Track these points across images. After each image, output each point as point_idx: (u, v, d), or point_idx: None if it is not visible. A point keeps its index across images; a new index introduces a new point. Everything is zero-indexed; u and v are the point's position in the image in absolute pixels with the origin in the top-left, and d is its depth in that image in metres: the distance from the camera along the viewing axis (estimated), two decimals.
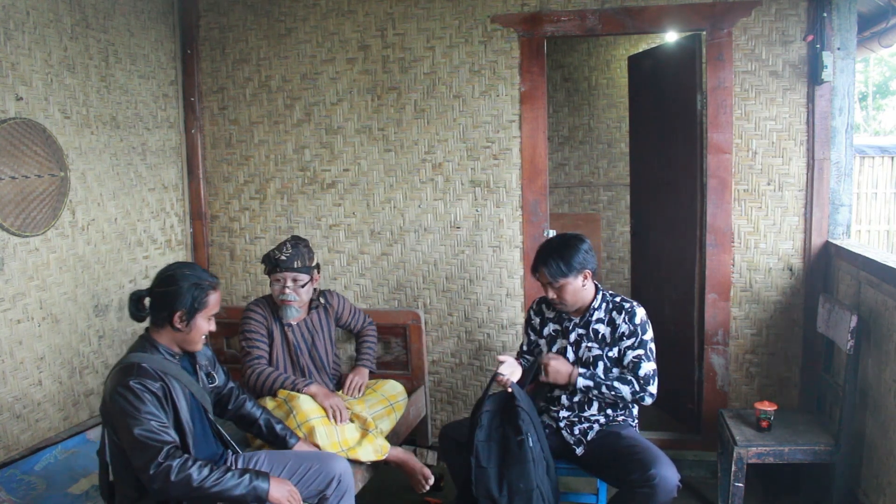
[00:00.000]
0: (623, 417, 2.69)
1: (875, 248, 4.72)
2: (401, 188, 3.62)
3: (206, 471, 2.02)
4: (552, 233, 3.51)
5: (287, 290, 2.94)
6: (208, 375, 2.40)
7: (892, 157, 7.23)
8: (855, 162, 4.20)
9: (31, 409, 2.85)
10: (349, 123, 3.63)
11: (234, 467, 2.12)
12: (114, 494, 2.21)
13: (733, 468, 2.84)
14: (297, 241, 3.01)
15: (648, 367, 2.60)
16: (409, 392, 3.43)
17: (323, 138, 3.68)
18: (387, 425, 3.05)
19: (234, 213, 3.84)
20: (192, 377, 2.27)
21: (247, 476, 2.08)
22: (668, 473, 2.36)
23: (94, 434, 2.94)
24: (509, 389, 2.55)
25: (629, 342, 2.63)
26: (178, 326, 2.18)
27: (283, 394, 2.83)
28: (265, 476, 2.12)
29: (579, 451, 2.66)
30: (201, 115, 3.81)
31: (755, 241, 3.31)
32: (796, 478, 3.21)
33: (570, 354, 2.71)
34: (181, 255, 3.77)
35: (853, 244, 3.13)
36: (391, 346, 3.67)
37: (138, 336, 2.24)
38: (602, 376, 2.62)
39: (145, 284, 3.46)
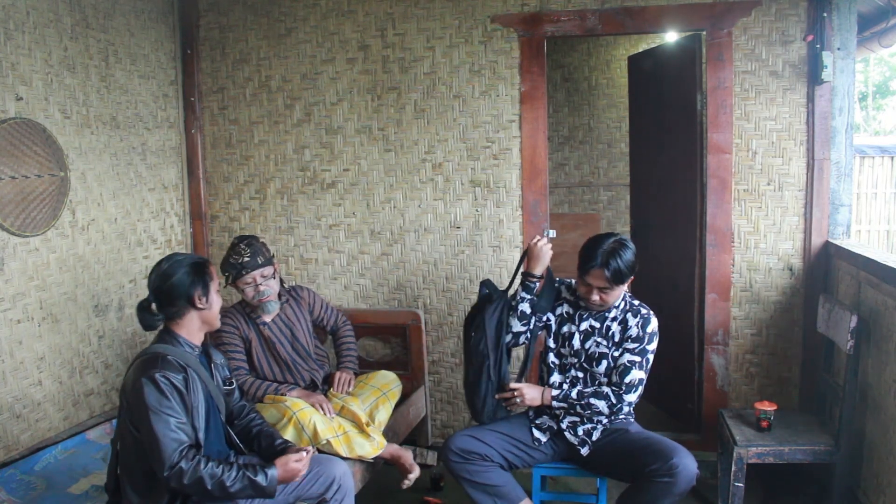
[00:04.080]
0: (625, 416, 2.69)
1: (875, 248, 4.72)
2: (401, 188, 3.62)
3: (218, 471, 2.03)
4: (552, 233, 3.51)
5: (261, 288, 2.94)
6: (226, 381, 2.40)
7: (892, 157, 7.23)
8: (855, 162, 4.20)
9: (31, 409, 2.85)
10: (349, 123, 3.63)
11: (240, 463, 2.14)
12: (118, 489, 2.21)
13: (733, 468, 2.83)
14: (249, 240, 3.00)
15: (638, 375, 2.58)
16: (409, 392, 3.43)
17: (323, 138, 3.68)
18: (384, 414, 3.05)
19: (234, 213, 3.84)
20: (208, 374, 2.29)
21: (256, 468, 2.10)
22: (689, 462, 2.39)
23: (94, 434, 2.94)
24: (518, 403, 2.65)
25: (632, 346, 2.61)
26: (201, 306, 2.21)
27: (269, 398, 2.89)
28: (271, 465, 2.13)
29: (584, 451, 2.65)
30: (201, 115, 3.81)
31: (755, 241, 3.31)
32: (796, 478, 3.21)
33: (577, 342, 2.68)
34: None
35: (853, 244, 3.13)
36: (391, 345, 3.67)
37: (158, 332, 2.24)
38: (575, 396, 2.60)
39: (145, 284, 3.46)
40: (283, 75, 3.68)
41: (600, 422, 2.66)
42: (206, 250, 3.86)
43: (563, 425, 2.69)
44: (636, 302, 2.69)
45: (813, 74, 3.16)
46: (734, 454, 2.83)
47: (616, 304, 2.66)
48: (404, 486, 2.95)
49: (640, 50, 4.94)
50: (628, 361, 2.60)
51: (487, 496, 2.60)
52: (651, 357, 2.63)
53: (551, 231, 3.51)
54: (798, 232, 3.28)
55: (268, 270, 2.96)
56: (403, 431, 3.27)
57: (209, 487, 2.01)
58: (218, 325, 2.31)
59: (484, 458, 2.62)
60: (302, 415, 2.71)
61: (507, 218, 3.52)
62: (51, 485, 2.56)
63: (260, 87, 3.72)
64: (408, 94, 3.55)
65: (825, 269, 3.23)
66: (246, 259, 2.91)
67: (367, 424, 2.85)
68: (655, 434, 2.61)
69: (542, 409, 2.73)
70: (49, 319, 2.93)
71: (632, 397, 2.58)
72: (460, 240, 3.58)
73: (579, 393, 2.60)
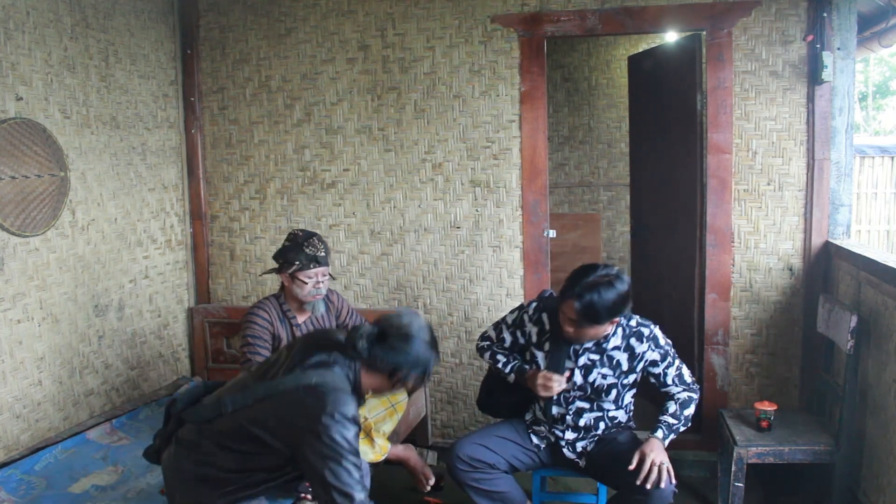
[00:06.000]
0: (624, 425, 2.67)
1: (875, 248, 4.73)
2: (401, 188, 3.62)
3: None
4: (552, 233, 3.52)
5: (320, 286, 2.92)
6: None
7: (892, 157, 7.23)
8: (855, 162, 4.20)
9: (31, 409, 2.84)
10: (349, 123, 3.63)
11: None
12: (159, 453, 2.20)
13: (733, 468, 2.84)
14: (320, 237, 2.99)
15: (685, 369, 2.60)
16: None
17: (323, 138, 3.68)
18: (389, 427, 3.05)
19: (234, 213, 3.84)
20: None
21: None
22: (664, 490, 2.36)
23: (94, 434, 2.94)
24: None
25: (664, 365, 2.54)
26: (394, 382, 2.10)
27: None
28: None
29: (582, 463, 2.64)
30: (201, 115, 3.81)
31: (755, 241, 3.31)
32: (796, 478, 3.21)
33: (578, 378, 2.55)
34: (181, 255, 3.77)
35: (853, 244, 3.13)
36: None
37: (338, 350, 2.10)
38: (674, 420, 2.50)
39: (145, 284, 3.47)
40: (283, 75, 3.68)
41: (597, 435, 2.62)
42: (206, 250, 3.86)
43: (562, 442, 2.64)
44: (633, 323, 2.55)
45: (813, 74, 3.16)
46: (734, 454, 2.83)
47: (612, 332, 2.51)
48: (425, 490, 2.93)
49: (640, 50, 4.94)
50: (675, 373, 2.56)
51: (492, 502, 2.60)
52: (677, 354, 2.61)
53: (551, 231, 3.51)
54: (798, 232, 3.28)
55: (328, 271, 2.96)
56: (403, 431, 3.27)
57: None
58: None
59: (491, 466, 2.59)
60: None
61: (507, 218, 3.52)
62: (51, 485, 2.56)
63: (260, 87, 3.72)
64: (408, 94, 3.55)
65: (825, 269, 3.23)
66: (321, 254, 2.89)
67: (371, 431, 2.85)
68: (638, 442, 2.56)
69: (538, 419, 2.69)
70: (49, 319, 2.93)
71: (694, 382, 2.60)
72: (460, 240, 3.58)
73: (675, 417, 2.52)
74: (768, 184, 3.27)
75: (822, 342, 3.13)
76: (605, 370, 2.54)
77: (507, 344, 2.72)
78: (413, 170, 3.59)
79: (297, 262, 2.87)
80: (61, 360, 2.99)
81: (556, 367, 2.54)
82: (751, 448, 2.83)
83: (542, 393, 2.53)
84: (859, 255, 2.85)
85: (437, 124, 3.54)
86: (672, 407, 2.54)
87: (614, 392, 2.55)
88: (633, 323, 2.56)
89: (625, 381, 2.55)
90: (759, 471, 3.18)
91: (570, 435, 2.63)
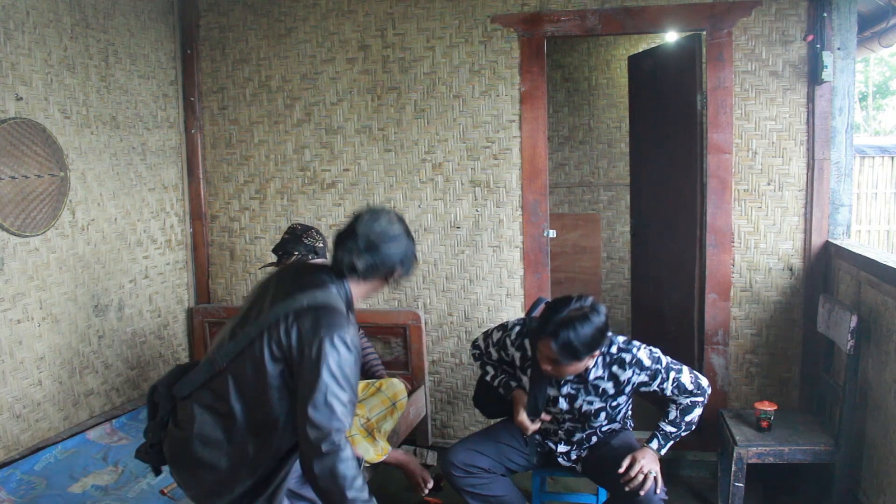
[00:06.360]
0: (619, 425, 2.64)
1: (875, 248, 4.72)
2: (401, 188, 3.62)
3: (356, 472, 1.82)
4: (553, 233, 3.52)
5: None
6: None
7: (892, 157, 7.22)
8: (855, 162, 4.20)
9: (31, 409, 2.84)
10: (349, 123, 3.63)
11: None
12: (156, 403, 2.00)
13: (733, 468, 2.83)
14: (318, 230, 3.01)
15: (686, 375, 2.44)
16: (409, 392, 3.43)
17: (323, 138, 3.68)
18: (389, 425, 3.05)
19: (234, 213, 3.84)
20: None
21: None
22: (651, 494, 2.35)
23: (94, 434, 2.94)
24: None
25: (656, 383, 2.43)
26: (392, 282, 2.02)
27: None
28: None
29: (579, 468, 2.64)
30: (201, 115, 3.81)
31: (755, 241, 3.31)
32: (796, 478, 3.21)
33: (563, 404, 2.49)
34: (181, 254, 3.77)
35: (853, 244, 3.13)
36: (391, 346, 3.67)
37: (325, 271, 2.00)
38: (672, 428, 2.46)
39: (145, 284, 3.47)
40: (283, 75, 3.68)
41: (589, 445, 2.61)
42: (206, 250, 3.86)
43: (557, 451, 2.63)
44: (614, 350, 2.42)
45: (813, 74, 3.16)
46: (734, 454, 2.83)
47: (592, 365, 2.40)
48: (422, 494, 2.93)
49: (640, 50, 4.94)
50: (673, 387, 2.44)
51: None
52: (669, 359, 2.47)
53: (552, 231, 3.51)
54: (798, 232, 3.27)
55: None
56: (403, 431, 3.27)
57: (340, 482, 1.78)
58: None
59: (486, 470, 2.58)
60: None
61: (507, 218, 3.52)
62: (51, 485, 2.56)
63: (260, 87, 3.72)
64: (408, 94, 3.55)
65: (825, 269, 3.23)
66: (320, 245, 2.94)
67: (374, 431, 2.85)
68: (632, 445, 2.53)
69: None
70: (49, 319, 2.93)
71: (705, 384, 2.47)
72: (460, 240, 3.58)
73: (675, 424, 2.47)
74: (768, 184, 3.27)
75: (822, 342, 3.13)
76: (591, 397, 2.46)
77: (494, 358, 2.69)
78: (413, 170, 3.59)
79: (297, 253, 2.91)
80: (61, 360, 2.99)
81: (533, 408, 2.50)
82: (751, 448, 2.83)
83: (521, 429, 2.54)
84: (859, 255, 2.85)
85: (437, 124, 3.54)
86: (672, 413, 2.49)
87: (603, 414, 2.49)
88: (613, 350, 2.43)
89: (613, 404, 2.48)
90: (759, 471, 3.18)
91: (563, 448, 2.63)
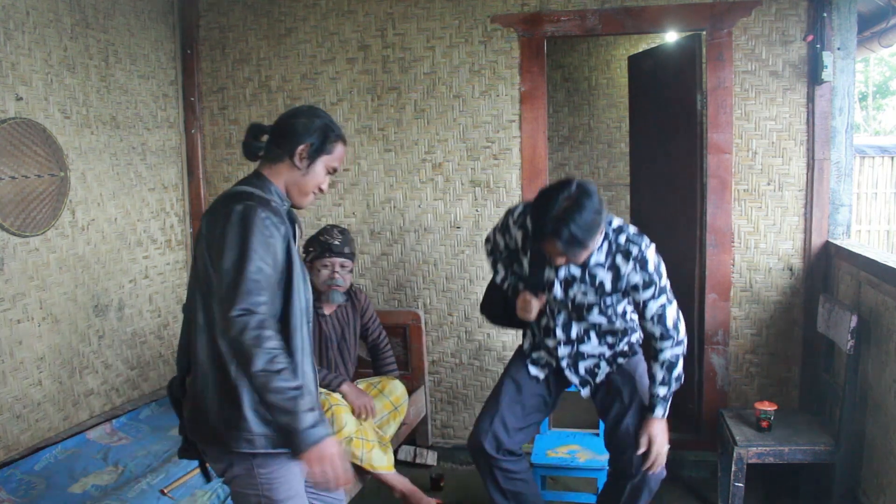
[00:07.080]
0: (627, 346, 2.53)
1: (875, 248, 4.72)
2: (401, 188, 3.62)
3: (280, 367, 1.64)
4: None
5: (336, 275, 2.98)
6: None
7: (892, 157, 7.23)
8: (855, 162, 4.19)
9: (31, 409, 2.84)
10: (349, 123, 3.63)
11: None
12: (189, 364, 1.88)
13: (733, 468, 2.84)
14: (343, 229, 3.06)
15: (672, 311, 2.35)
16: (409, 392, 3.43)
17: None
18: (392, 429, 3.08)
19: None
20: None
21: (317, 412, 1.71)
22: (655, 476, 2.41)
23: (94, 434, 2.94)
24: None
25: (648, 293, 2.32)
26: (297, 163, 1.87)
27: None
28: (327, 425, 1.74)
29: (584, 392, 2.55)
30: (201, 115, 3.81)
31: (755, 241, 3.31)
32: (796, 478, 3.21)
33: (558, 291, 2.39)
34: (181, 255, 3.77)
35: (853, 244, 3.13)
36: (391, 346, 3.66)
37: (245, 182, 1.91)
38: (664, 389, 2.39)
39: (145, 284, 3.47)
40: (283, 75, 3.68)
41: (602, 355, 2.51)
42: None
43: (562, 363, 2.52)
44: (622, 240, 2.32)
45: (813, 74, 3.16)
46: (734, 454, 2.83)
47: (597, 247, 2.30)
48: None
49: (640, 50, 4.94)
50: (658, 308, 2.34)
51: (505, 500, 2.58)
52: (668, 285, 2.37)
53: None
54: (798, 232, 3.28)
55: (349, 263, 3.02)
56: (403, 431, 3.27)
57: (254, 368, 1.63)
58: (303, 204, 1.93)
59: (513, 452, 2.54)
60: (338, 410, 2.74)
61: None
62: (51, 485, 2.56)
63: (260, 87, 3.72)
64: (408, 94, 3.55)
65: (825, 269, 3.23)
66: (335, 243, 2.97)
67: (386, 440, 2.91)
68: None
69: (537, 344, 2.59)
70: (49, 319, 2.93)
71: (682, 331, 2.38)
72: (460, 240, 3.58)
73: (665, 384, 2.39)
74: (768, 184, 3.27)
75: (822, 342, 3.13)
76: (586, 287, 2.36)
77: (502, 247, 2.57)
78: (413, 170, 3.59)
79: (311, 249, 3.01)
80: (61, 360, 2.99)
81: (534, 284, 2.42)
82: (751, 448, 2.83)
83: (522, 315, 2.46)
84: (859, 255, 2.85)
85: (437, 124, 3.54)
86: (659, 373, 2.40)
87: (596, 310, 2.41)
88: (622, 239, 2.32)
89: (608, 302, 2.39)
90: (759, 471, 3.18)
91: (563, 350, 2.51)
